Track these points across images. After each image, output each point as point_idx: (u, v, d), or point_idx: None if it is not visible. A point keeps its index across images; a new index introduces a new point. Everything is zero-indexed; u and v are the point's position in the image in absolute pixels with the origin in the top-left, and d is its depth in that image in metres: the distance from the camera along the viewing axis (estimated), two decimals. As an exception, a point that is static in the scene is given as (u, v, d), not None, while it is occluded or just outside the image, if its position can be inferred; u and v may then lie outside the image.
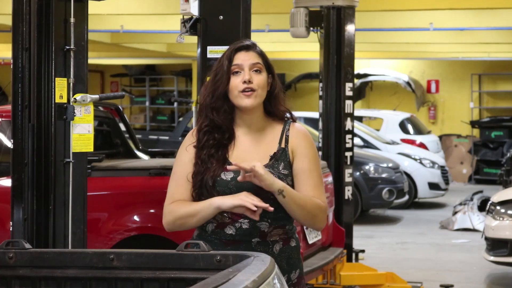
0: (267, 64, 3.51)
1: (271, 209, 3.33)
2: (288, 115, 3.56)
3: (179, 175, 3.48)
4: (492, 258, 8.84)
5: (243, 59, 3.47)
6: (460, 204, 13.39)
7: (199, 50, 5.41)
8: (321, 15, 8.13)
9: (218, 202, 3.37)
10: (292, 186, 3.47)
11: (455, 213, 13.07)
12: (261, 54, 3.52)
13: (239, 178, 3.35)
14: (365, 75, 21.25)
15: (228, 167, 3.42)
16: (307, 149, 3.52)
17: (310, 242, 6.76)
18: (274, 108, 3.53)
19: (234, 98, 3.45)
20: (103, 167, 6.15)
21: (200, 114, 3.54)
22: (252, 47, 3.51)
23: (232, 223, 3.43)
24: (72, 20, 4.48)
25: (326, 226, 7.21)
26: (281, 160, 3.47)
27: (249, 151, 3.49)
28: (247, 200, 3.32)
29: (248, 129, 3.52)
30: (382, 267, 8.76)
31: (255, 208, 3.31)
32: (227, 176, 3.43)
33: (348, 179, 8.13)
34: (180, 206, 3.46)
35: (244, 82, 3.43)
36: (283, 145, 3.50)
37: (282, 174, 3.44)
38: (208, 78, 3.62)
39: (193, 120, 7.06)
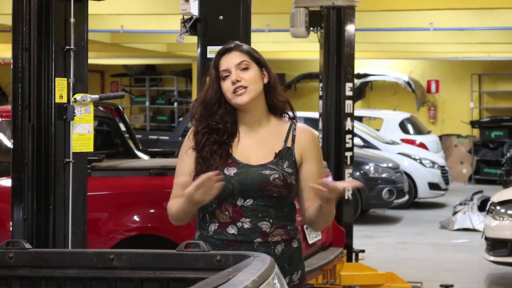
0: (256, 59, 3.51)
1: (220, 178, 3.30)
2: (290, 113, 3.58)
3: (182, 181, 3.48)
4: (492, 258, 8.84)
5: (227, 63, 3.48)
6: (460, 204, 13.38)
7: (199, 50, 5.41)
8: (321, 15, 8.13)
9: (185, 193, 3.35)
10: (296, 185, 3.49)
11: (455, 213, 13.06)
12: (247, 52, 3.51)
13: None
14: (365, 75, 21.23)
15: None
16: (316, 152, 3.55)
17: (310, 242, 6.76)
18: (274, 100, 3.54)
19: (230, 101, 3.47)
20: (103, 167, 6.15)
21: (191, 120, 3.55)
22: (234, 48, 3.52)
23: (234, 222, 3.43)
24: (72, 20, 4.48)
25: (326, 226, 7.21)
26: (285, 159, 3.48)
27: (253, 148, 3.50)
28: (203, 177, 3.30)
29: (251, 127, 3.53)
30: (382, 267, 8.75)
31: (211, 180, 3.27)
32: (230, 171, 3.43)
33: (348, 179, 8.13)
34: (174, 203, 3.49)
35: (233, 83, 3.45)
36: (289, 144, 3.52)
37: (286, 172, 3.45)
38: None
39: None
